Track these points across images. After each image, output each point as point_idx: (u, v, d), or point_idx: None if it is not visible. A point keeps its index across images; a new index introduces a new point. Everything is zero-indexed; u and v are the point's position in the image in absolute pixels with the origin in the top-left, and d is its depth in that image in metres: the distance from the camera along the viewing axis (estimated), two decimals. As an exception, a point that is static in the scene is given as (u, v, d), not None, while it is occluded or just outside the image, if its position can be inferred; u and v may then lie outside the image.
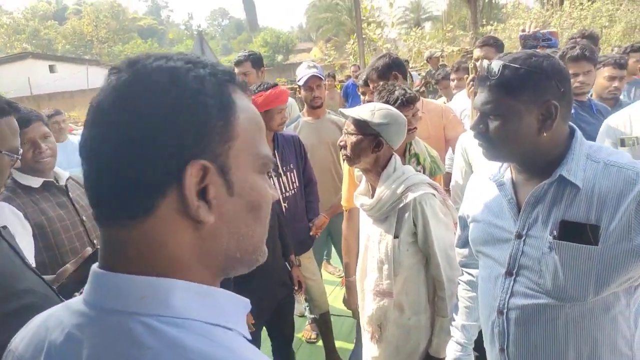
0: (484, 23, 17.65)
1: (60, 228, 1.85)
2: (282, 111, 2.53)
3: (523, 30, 2.78)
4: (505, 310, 1.19)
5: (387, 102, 1.99)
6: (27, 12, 46.42)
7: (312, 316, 3.01)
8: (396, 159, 1.78)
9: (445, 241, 1.70)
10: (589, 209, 1.06)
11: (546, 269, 1.11)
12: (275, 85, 2.52)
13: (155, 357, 0.45)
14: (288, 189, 2.64)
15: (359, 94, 3.18)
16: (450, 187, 2.46)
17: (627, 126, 2.13)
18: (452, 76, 4.42)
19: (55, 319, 0.55)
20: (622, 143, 2.12)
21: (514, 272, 1.18)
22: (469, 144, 2.25)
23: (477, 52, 3.02)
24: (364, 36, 13.14)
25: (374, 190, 1.79)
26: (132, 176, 0.49)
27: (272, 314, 2.30)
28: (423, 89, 6.93)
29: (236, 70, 3.25)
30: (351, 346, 2.89)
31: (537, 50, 2.48)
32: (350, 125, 1.77)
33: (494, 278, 1.24)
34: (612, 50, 7.80)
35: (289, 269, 2.41)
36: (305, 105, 3.06)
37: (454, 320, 1.58)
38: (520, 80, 1.07)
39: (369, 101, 2.45)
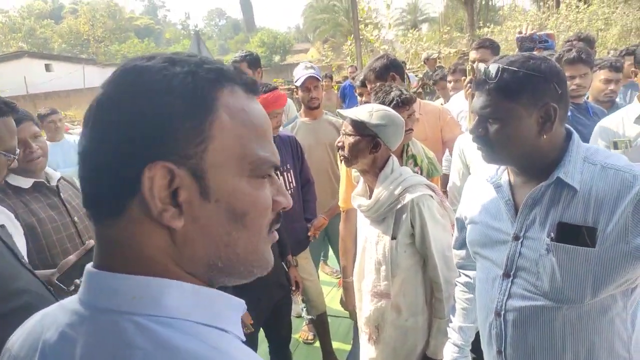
0: (481, 25, 17.76)
1: (52, 229, 1.80)
2: (278, 115, 2.51)
3: (520, 33, 2.79)
4: (502, 312, 1.19)
5: (383, 102, 1.99)
6: (23, 11, 46.28)
7: (310, 317, 2.99)
8: (394, 160, 1.78)
9: (442, 243, 1.70)
10: (586, 211, 1.06)
11: (543, 271, 1.11)
12: (275, 88, 2.50)
13: (145, 357, 0.45)
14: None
15: (356, 95, 3.19)
16: (448, 188, 2.47)
17: (620, 128, 2.14)
18: (450, 78, 4.42)
19: (51, 318, 0.55)
20: (615, 146, 2.12)
21: (512, 274, 1.18)
22: (466, 146, 2.25)
23: (473, 54, 3.02)
24: (361, 37, 13.17)
25: (371, 191, 1.79)
26: (105, 177, 0.49)
27: (269, 316, 2.29)
28: (420, 90, 6.94)
29: None
30: (348, 347, 2.88)
31: (534, 52, 2.51)
32: (348, 126, 1.77)
33: (492, 280, 1.24)
34: (608, 53, 7.84)
35: (286, 269, 2.40)
36: (303, 106, 3.06)
37: (451, 321, 1.58)
38: (519, 83, 1.07)
39: (366, 102, 2.45)
